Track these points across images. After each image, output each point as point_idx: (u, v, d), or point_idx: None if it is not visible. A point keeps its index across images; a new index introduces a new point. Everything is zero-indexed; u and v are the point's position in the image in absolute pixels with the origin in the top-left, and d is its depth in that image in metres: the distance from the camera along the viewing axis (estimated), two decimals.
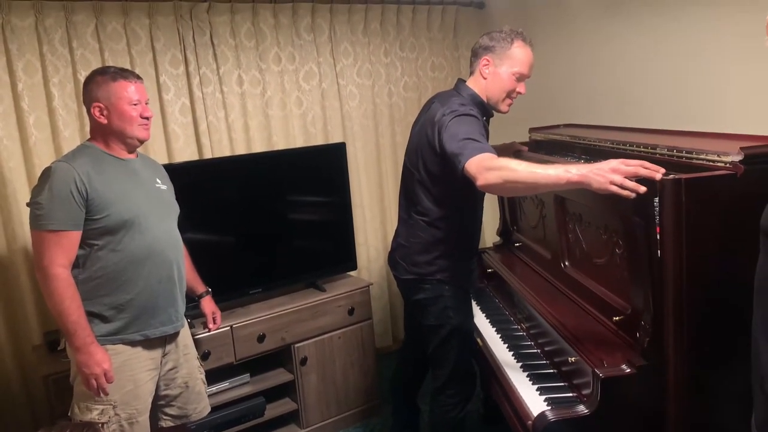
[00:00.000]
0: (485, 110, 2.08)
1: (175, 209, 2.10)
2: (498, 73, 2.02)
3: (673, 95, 2.42)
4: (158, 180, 2.07)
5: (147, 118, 1.94)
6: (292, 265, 2.91)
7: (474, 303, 2.51)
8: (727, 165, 1.40)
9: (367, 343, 2.94)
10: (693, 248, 1.38)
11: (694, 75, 2.30)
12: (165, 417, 2.10)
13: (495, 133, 3.72)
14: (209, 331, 2.36)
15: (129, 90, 1.90)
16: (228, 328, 2.55)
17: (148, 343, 1.95)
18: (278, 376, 2.77)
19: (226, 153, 2.99)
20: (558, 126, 2.68)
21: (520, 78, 2.03)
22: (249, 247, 2.80)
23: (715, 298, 1.42)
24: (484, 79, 2.04)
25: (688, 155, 1.55)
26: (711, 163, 1.46)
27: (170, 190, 2.13)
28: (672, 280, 1.40)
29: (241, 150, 3.04)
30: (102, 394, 1.84)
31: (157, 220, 1.96)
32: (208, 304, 2.32)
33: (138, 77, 1.95)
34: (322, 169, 2.97)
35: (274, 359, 2.80)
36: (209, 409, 2.22)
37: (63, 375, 2.16)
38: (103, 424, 1.86)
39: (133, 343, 1.92)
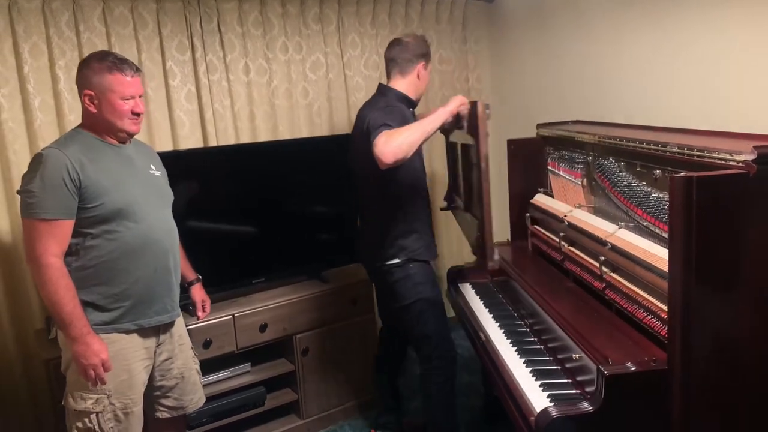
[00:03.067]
0: (410, 103, 2.41)
1: (169, 196, 2.07)
2: (426, 73, 2.45)
3: (684, 93, 2.40)
4: (152, 166, 2.03)
5: (138, 114, 1.89)
6: (295, 256, 2.90)
7: (477, 298, 2.52)
8: (740, 164, 1.38)
9: (369, 336, 2.94)
10: (702, 248, 1.37)
11: (707, 73, 2.28)
12: (161, 408, 2.08)
13: (503, 128, 3.72)
14: (198, 319, 2.35)
15: (123, 84, 1.84)
16: (230, 317, 2.55)
17: (143, 333, 1.94)
18: (279, 366, 2.77)
19: (232, 141, 2.98)
20: (566, 122, 2.66)
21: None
22: (252, 237, 2.79)
23: (725, 298, 1.41)
24: (419, 79, 2.41)
25: (700, 153, 1.53)
26: (723, 162, 1.44)
27: (164, 176, 2.09)
28: (680, 280, 1.39)
29: (246, 139, 3.02)
30: (99, 384, 1.83)
31: (153, 209, 1.93)
32: (198, 292, 2.31)
33: (136, 69, 1.90)
34: (327, 160, 2.95)
35: (275, 349, 2.80)
36: (204, 400, 2.21)
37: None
38: (97, 413, 1.85)
39: (127, 332, 1.90)
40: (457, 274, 2.75)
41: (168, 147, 2.80)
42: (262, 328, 2.62)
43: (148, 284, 1.91)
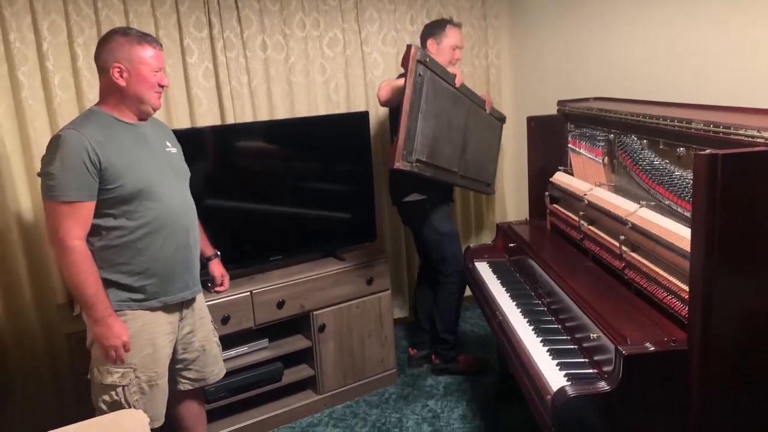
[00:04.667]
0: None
1: (186, 173, 2.08)
2: (439, 48, 2.90)
3: (710, 69, 2.33)
4: (168, 143, 2.03)
5: (162, 87, 1.91)
6: (312, 234, 2.91)
7: (494, 277, 2.50)
8: None
9: (385, 314, 2.95)
10: (726, 227, 1.34)
11: (733, 48, 2.22)
12: (183, 380, 2.12)
13: (523, 105, 3.67)
14: (216, 294, 2.38)
15: (153, 56, 1.86)
16: (248, 293, 2.57)
17: (167, 309, 1.96)
18: (296, 343, 2.79)
19: (249, 119, 2.97)
20: (588, 99, 2.61)
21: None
22: (270, 215, 2.80)
23: (747, 278, 1.38)
24: (435, 53, 2.81)
25: (726, 130, 1.49)
26: (750, 139, 1.40)
27: (180, 152, 2.09)
28: (702, 259, 1.36)
29: (263, 116, 3.02)
30: (119, 362, 1.86)
31: (171, 187, 1.93)
32: (216, 267, 2.33)
33: (160, 44, 1.92)
34: (345, 138, 2.94)
35: (292, 326, 2.82)
36: (224, 372, 2.25)
37: (85, 334, 2.20)
38: (123, 386, 1.89)
39: (152, 309, 1.93)
40: (474, 254, 2.73)
41: (185, 124, 2.81)
42: (280, 304, 2.64)
43: (169, 262, 1.92)
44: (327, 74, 3.19)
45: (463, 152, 2.89)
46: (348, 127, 2.95)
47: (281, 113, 3.06)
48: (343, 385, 2.88)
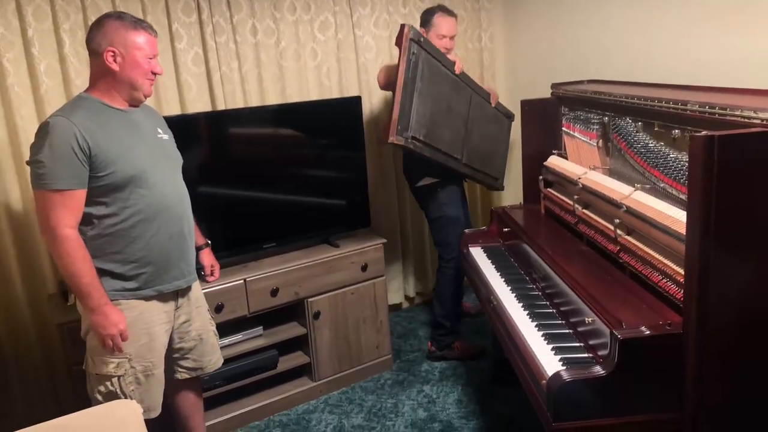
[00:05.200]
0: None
1: (178, 160, 2.05)
2: (431, 35, 2.90)
3: (705, 50, 2.31)
4: (159, 130, 2.00)
5: (155, 74, 1.88)
6: (306, 221, 2.89)
7: (489, 262, 2.49)
8: (764, 122, 1.33)
9: (380, 300, 2.94)
10: (722, 209, 1.32)
11: (728, 28, 2.19)
12: (181, 370, 2.12)
13: (517, 88, 3.64)
14: (207, 283, 2.36)
15: (148, 43, 1.83)
16: (241, 281, 2.55)
17: (162, 297, 1.95)
18: (291, 330, 2.78)
19: (240, 105, 2.93)
20: (582, 82, 2.59)
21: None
22: (262, 202, 2.77)
23: (743, 261, 1.37)
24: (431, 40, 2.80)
25: (722, 111, 1.47)
26: (746, 120, 1.38)
27: (171, 139, 2.06)
28: (698, 242, 1.35)
29: (254, 102, 2.98)
30: (116, 351, 1.85)
31: (164, 175, 1.91)
32: (207, 257, 2.31)
33: (154, 30, 1.88)
34: (337, 123, 2.91)
35: (287, 313, 2.81)
36: (222, 361, 2.24)
37: (78, 324, 2.18)
38: (119, 377, 1.87)
39: (146, 298, 1.91)
40: (469, 238, 2.72)
41: (175, 111, 2.77)
42: (274, 292, 2.63)
43: (164, 250, 1.90)
44: (318, 59, 3.15)
45: (466, 141, 2.91)
46: (341, 112, 2.92)
47: (272, 99, 3.02)
48: (338, 372, 2.88)
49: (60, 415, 1.68)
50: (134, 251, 1.85)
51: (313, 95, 3.15)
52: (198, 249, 2.25)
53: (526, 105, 2.62)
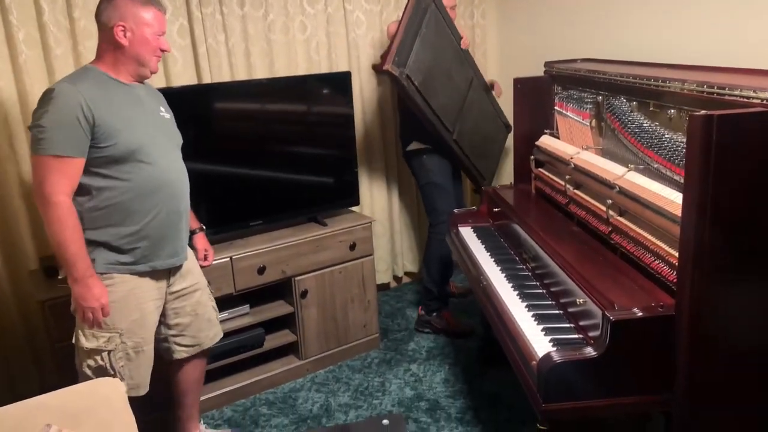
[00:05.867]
0: None
1: (179, 139, 2.04)
2: None
3: (702, 29, 2.28)
4: (162, 108, 2.00)
5: (163, 52, 1.89)
6: (293, 199, 2.84)
7: (478, 242, 2.48)
8: (764, 101, 1.31)
9: (368, 279, 2.92)
10: (720, 190, 1.30)
11: (726, 7, 2.16)
12: (179, 347, 2.10)
13: (510, 66, 3.59)
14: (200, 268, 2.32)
15: (159, 19, 1.84)
16: (228, 259, 2.51)
17: (155, 275, 1.93)
18: (278, 308, 2.76)
19: (226, 78, 2.86)
20: (575, 60, 2.55)
21: None
22: (249, 178, 2.72)
23: (740, 242, 1.35)
24: None
25: (720, 91, 1.45)
26: (745, 100, 1.36)
27: (172, 119, 2.06)
28: (694, 224, 1.33)
29: (241, 76, 2.91)
30: (106, 323, 1.83)
31: (165, 151, 1.90)
32: (200, 241, 2.29)
33: (163, 6, 1.89)
34: (326, 99, 2.85)
35: (274, 291, 2.78)
36: (221, 335, 2.25)
37: (60, 301, 2.14)
38: (109, 351, 1.86)
39: (140, 274, 1.89)
40: (459, 218, 2.70)
41: (160, 84, 2.69)
42: (261, 270, 2.59)
43: (160, 227, 1.89)
44: (308, 32, 3.07)
45: (461, 119, 2.95)
46: (330, 88, 2.86)
47: (260, 73, 2.95)
48: (325, 350, 2.87)
49: (43, 393, 1.64)
50: (131, 225, 1.83)
51: (302, 70, 3.08)
52: (192, 233, 2.23)
53: (519, 83, 2.58)
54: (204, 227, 2.31)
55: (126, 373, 1.90)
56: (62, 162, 1.70)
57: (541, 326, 1.75)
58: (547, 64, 2.56)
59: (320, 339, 2.84)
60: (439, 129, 2.83)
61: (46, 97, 1.71)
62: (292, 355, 2.84)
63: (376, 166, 3.42)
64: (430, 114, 2.77)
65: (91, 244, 1.79)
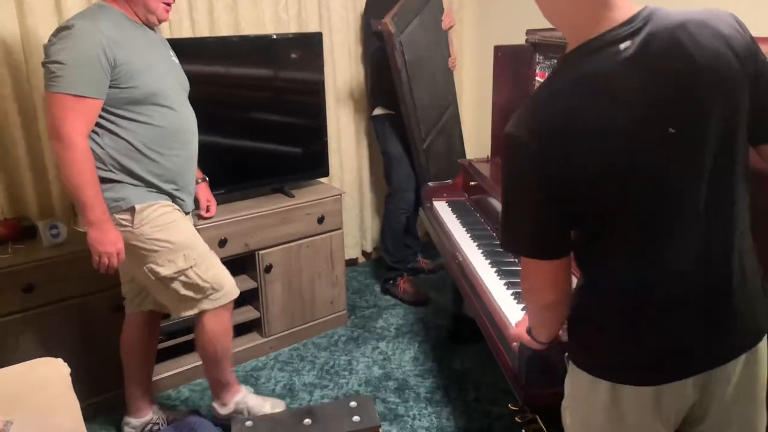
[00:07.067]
0: None
1: (187, 85, 1.99)
2: None
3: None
4: (171, 53, 1.96)
5: (169, 3, 1.84)
6: (259, 168, 2.68)
7: (454, 217, 2.37)
8: None
9: (336, 254, 2.79)
10: None
11: None
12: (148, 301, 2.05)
13: (490, 33, 3.46)
14: (201, 219, 2.31)
15: None
16: None
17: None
18: (241, 283, 2.56)
19: (187, 35, 2.66)
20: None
21: None
22: (210, 145, 2.52)
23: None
24: None
25: None
26: None
27: (180, 65, 1.99)
28: None
29: (203, 33, 2.71)
30: (171, 244, 1.82)
31: (180, 96, 1.88)
32: (203, 191, 2.30)
33: None
34: (295, 62, 2.68)
35: (236, 265, 2.61)
36: None
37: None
38: (191, 266, 1.85)
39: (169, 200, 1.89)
40: (433, 192, 2.59)
41: None
42: (222, 243, 2.43)
43: (180, 171, 1.88)
44: None
45: (435, 131, 2.90)
46: (300, 50, 2.68)
47: (224, 31, 2.75)
48: (290, 328, 2.74)
49: None
50: (150, 167, 1.80)
51: (270, 30, 2.89)
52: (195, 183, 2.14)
53: (500, 51, 2.46)
54: (207, 178, 2.31)
55: (218, 280, 1.91)
56: (81, 102, 1.64)
57: (522, 305, 1.66)
58: (529, 31, 2.44)
59: (285, 316, 2.70)
60: (413, 132, 2.76)
61: (64, 33, 1.63)
62: (255, 332, 2.71)
63: (347, 136, 3.27)
64: (411, 107, 2.67)
65: (118, 183, 1.77)
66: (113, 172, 1.76)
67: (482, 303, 1.76)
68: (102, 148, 1.74)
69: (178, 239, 1.84)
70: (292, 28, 2.94)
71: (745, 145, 1.02)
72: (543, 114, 0.96)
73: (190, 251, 1.86)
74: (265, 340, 2.68)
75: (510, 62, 2.45)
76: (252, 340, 2.67)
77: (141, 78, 1.73)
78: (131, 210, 1.78)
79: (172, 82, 1.86)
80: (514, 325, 1.49)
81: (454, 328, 2.77)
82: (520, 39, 2.47)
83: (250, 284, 2.60)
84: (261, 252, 2.55)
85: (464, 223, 2.29)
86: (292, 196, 2.68)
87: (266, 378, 2.53)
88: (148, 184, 1.81)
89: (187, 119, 1.90)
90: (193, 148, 1.94)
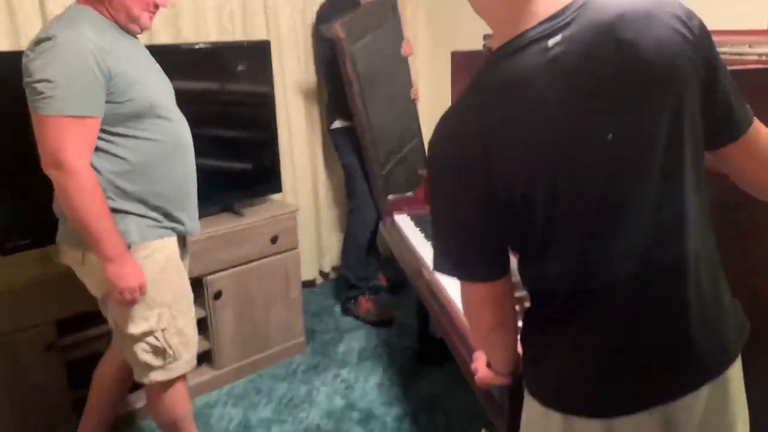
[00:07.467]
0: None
1: (173, 94, 1.80)
2: None
3: None
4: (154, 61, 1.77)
5: (158, 8, 1.64)
6: (204, 186, 2.44)
7: (417, 231, 2.25)
8: (762, 57, 1.13)
9: (292, 275, 2.61)
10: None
11: None
12: None
13: (447, 38, 3.37)
14: None
15: None
16: None
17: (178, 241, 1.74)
18: None
19: None
20: None
21: None
22: None
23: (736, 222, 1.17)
24: None
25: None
26: (738, 57, 1.19)
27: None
28: None
29: (142, 42, 2.50)
30: (153, 300, 1.64)
31: (174, 106, 1.71)
32: None
33: None
34: (242, 72, 2.50)
35: None
36: None
37: None
38: (162, 330, 1.66)
39: (169, 234, 1.69)
40: (393, 206, 2.45)
41: None
42: None
43: (181, 188, 1.71)
44: None
45: (394, 161, 2.79)
46: (247, 59, 2.51)
47: (163, 40, 2.57)
48: (244, 358, 2.53)
49: None
50: (155, 187, 1.62)
51: (213, 39, 2.71)
52: None
53: (456, 57, 2.36)
54: None
55: (182, 349, 1.72)
56: (80, 123, 1.44)
57: None
58: (486, 36, 2.36)
59: (237, 345, 2.50)
60: (367, 146, 2.62)
61: (45, 43, 1.41)
62: (206, 365, 2.49)
63: (299, 149, 3.11)
64: (364, 118, 2.55)
65: (119, 213, 1.56)
66: (113, 200, 1.56)
67: (452, 322, 1.61)
68: (100, 173, 1.53)
69: (160, 297, 1.66)
70: (238, 38, 2.78)
71: (696, 147, 0.88)
72: (467, 124, 0.85)
73: (166, 310, 1.68)
74: (218, 372, 2.47)
75: (468, 68, 2.36)
76: (202, 373, 2.46)
77: (137, 89, 1.55)
78: (128, 247, 1.59)
79: (166, 91, 1.70)
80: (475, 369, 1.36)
81: (421, 348, 2.62)
82: (477, 44, 2.39)
83: (199, 313, 2.38)
84: (208, 278, 2.35)
85: (428, 237, 2.15)
86: (242, 215, 2.49)
87: (219, 416, 2.32)
88: (153, 208, 1.63)
89: (185, 130, 1.74)
90: (191, 163, 1.77)
